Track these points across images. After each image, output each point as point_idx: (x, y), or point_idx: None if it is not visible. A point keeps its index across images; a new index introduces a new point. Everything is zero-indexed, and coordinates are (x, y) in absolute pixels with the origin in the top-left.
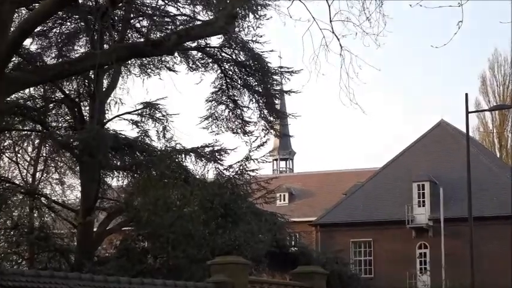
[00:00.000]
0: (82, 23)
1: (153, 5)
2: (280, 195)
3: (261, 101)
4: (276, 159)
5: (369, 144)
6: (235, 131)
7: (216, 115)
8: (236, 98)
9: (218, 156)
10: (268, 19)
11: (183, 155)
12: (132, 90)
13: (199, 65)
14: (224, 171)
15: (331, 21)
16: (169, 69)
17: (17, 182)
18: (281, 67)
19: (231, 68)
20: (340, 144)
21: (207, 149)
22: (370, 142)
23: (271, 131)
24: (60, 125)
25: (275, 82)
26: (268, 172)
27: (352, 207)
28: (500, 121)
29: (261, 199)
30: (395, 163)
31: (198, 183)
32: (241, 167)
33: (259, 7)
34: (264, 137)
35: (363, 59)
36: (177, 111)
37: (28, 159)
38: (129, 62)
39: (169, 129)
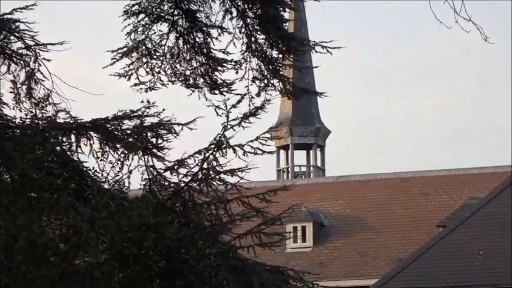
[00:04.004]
0: None
1: None
2: (296, 227)
3: (250, 12)
4: (286, 147)
5: (491, 119)
6: (192, 82)
7: (149, 47)
8: (193, 7)
9: (153, 140)
10: None
11: (74, 138)
12: None
13: None
14: (167, 175)
15: None
16: None
17: None
18: None
19: None
20: (426, 114)
21: (127, 124)
22: (493, 114)
23: (275, 82)
24: None
25: None
26: (268, 176)
27: (460, 255)
28: None
29: (252, 237)
30: None
31: (108, 201)
32: (206, 165)
33: None
34: (259, 95)
35: None
36: (61, 38)
37: None
38: None
39: (44, 80)
